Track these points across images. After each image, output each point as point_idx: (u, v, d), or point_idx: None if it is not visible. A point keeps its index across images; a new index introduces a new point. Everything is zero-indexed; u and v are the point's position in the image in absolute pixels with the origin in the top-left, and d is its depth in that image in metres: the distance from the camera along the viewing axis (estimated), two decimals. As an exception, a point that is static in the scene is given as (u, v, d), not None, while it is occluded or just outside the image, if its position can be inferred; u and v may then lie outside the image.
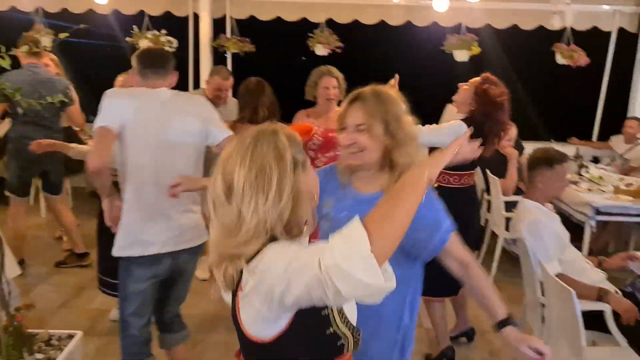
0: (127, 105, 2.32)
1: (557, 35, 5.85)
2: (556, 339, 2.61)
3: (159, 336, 2.70)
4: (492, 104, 3.02)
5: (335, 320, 1.21)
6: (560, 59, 5.85)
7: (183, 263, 2.51)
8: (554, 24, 5.27)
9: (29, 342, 2.37)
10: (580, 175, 4.98)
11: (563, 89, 7.55)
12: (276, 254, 1.13)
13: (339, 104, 3.64)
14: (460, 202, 3.07)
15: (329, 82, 3.69)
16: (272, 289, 1.09)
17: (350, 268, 1.01)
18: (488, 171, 4.69)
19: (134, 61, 2.47)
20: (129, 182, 2.36)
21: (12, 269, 2.75)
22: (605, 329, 2.63)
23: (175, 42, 6.06)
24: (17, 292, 2.71)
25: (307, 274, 1.05)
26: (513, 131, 4.63)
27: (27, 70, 4.09)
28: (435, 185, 3.04)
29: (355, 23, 6.17)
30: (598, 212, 4.10)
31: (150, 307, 2.51)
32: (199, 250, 2.56)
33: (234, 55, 6.40)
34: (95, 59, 7.11)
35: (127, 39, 6.04)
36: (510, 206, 4.21)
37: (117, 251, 2.38)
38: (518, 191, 4.47)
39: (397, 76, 2.88)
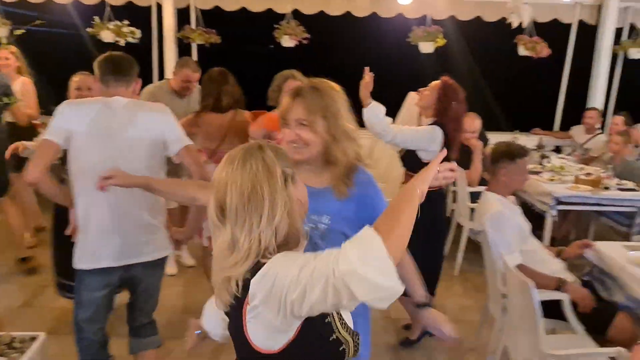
0: (75, 118, 2.25)
1: (520, 28, 5.96)
2: (517, 328, 2.68)
3: (128, 340, 2.64)
4: (452, 106, 3.19)
5: (337, 326, 1.22)
6: (522, 51, 5.95)
7: (138, 276, 2.45)
8: (513, 22, 5.37)
9: (-11, 345, 2.32)
10: (542, 165, 5.09)
11: (525, 80, 7.69)
12: (284, 264, 1.13)
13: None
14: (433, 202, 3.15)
15: (294, 86, 3.66)
16: (284, 298, 1.09)
17: (367, 272, 1.04)
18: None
19: (95, 67, 2.38)
20: (80, 196, 2.31)
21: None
22: (564, 317, 2.72)
23: (138, 33, 5.91)
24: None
25: (320, 280, 1.06)
26: (477, 123, 4.71)
27: None
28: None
29: (321, 14, 6.15)
30: (559, 201, 4.20)
31: (105, 313, 2.47)
32: (158, 264, 2.51)
33: (199, 47, 6.31)
34: (55, 50, 6.88)
35: (88, 29, 5.86)
36: (475, 197, 4.26)
37: (74, 263, 2.37)
38: (483, 182, 4.54)
39: (368, 70, 2.92)
